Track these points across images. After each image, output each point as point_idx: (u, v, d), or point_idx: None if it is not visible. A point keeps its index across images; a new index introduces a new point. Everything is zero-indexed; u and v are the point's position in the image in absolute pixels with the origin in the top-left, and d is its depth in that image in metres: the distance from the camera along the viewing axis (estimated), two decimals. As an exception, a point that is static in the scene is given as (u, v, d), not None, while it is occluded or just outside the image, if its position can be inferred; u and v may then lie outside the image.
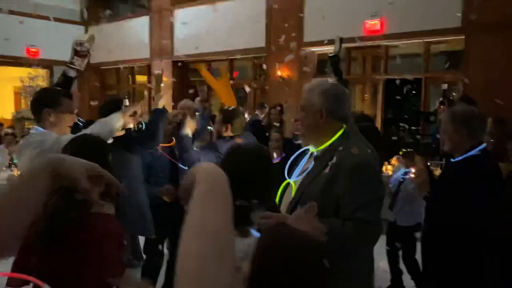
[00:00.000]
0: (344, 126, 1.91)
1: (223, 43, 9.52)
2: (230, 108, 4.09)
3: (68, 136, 2.17)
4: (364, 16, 7.79)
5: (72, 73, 2.75)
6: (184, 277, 0.64)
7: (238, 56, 9.49)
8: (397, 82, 7.48)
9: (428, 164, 2.76)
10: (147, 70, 11.87)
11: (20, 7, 10.76)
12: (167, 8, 10.90)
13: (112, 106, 3.46)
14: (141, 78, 12.74)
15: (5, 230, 0.86)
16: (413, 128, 7.61)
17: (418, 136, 6.82)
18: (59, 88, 2.66)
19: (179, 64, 10.89)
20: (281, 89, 8.65)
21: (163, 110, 3.28)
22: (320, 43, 8.38)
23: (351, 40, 7.39)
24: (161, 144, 3.69)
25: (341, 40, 3.50)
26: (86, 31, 12.57)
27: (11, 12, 10.42)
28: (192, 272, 0.63)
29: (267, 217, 1.56)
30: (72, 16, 12.48)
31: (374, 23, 7.85)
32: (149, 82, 11.21)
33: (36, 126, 2.49)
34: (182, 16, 10.63)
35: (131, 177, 3.14)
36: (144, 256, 3.86)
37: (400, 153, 4.30)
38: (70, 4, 12.55)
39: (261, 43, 9.23)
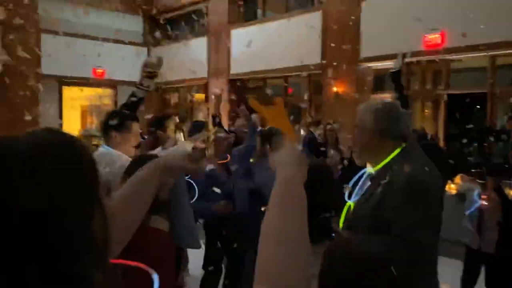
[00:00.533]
0: (403, 144, 1.88)
1: (278, 60, 9.61)
2: (265, 128, 4.09)
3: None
4: (423, 29, 7.58)
5: (141, 94, 2.90)
6: (262, 281, 0.69)
7: (293, 73, 9.52)
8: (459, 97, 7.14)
9: (500, 185, 2.59)
10: (205, 88, 12.21)
11: (87, 30, 11.51)
12: (223, 29, 11.20)
13: (157, 124, 3.62)
14: (199, 97, 13.12)
15: (127, 225, 1.03)
16: (478, 144, 7.21)
17: (486, 155, 6.44)
18: (126, 109, 2.81)
19: (238, 83, 11.10)
20: (337, 106, 8.56)
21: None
22: (378, 58, 8.24)
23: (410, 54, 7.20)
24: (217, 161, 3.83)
25: (404, 56, 3.38)
26: (148, 52, 13.19)
27: (80, 36, 11.19)
28: (271, 276, 0.69)
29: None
30: (136, 38, 13.15)
31: (434, 37, 7.61)
32: (207, 100, 11.52)
33: (104, 145, 2.64)
34: (238, 35, 10.89)
35: (177, 189, 3.23)
36: (203, 271, 3.91)
37: (477, 178, 4.04)
38: (134, 27, 13.25)
39: (317, 59, 9.22)
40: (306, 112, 9.76)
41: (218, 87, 11.48)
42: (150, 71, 2.74)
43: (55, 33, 11.46)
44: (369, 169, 2.00)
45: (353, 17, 8.57)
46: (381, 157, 1.88)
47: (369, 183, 1.94)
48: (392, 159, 1.86)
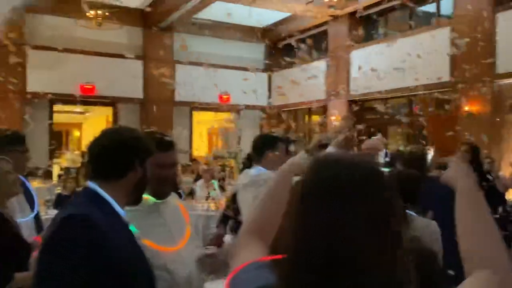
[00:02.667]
0: None
1: (401, 79, 9.25)
2: None
3: None
4: None
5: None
6: (477, 266, 0.92)
7: (419, 92, 9.05)
8: None
9: None
10: (323, 110, 12.25)
11: (215, 60, 12.45)
12: (343, 50, 11.19)
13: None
14: (317, 118, 13.19)
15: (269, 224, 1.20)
16: None
17: None
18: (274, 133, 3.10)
19: (357, 102, 10.93)
20: (470, 126, 7.89)
21: None
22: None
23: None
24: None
25: None
26: (269, 77, 13.75)
27: (209, 65, 12.14)
28: (478, 252, 0.95)
29: None
30: (257, 65, 13.80)
31: None
32: (325, 122, 11.55)
33: (258, 166, 2.85)
34: (358, 56, 10.77)
35: None
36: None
37: None
38: (255, 54, 13.95)
39: (445, 77, 8.66)
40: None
41: (337, 108, 11.43)
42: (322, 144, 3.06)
43: (187, 63, 12.61)
44: None
45: (487, 30, 7.91)
46: None
47: None
48: None
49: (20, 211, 2.55)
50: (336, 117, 11.24)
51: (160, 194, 1.86)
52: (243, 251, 1.09)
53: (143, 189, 1.60)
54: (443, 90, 8.89)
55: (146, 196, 1.73)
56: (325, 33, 12.18)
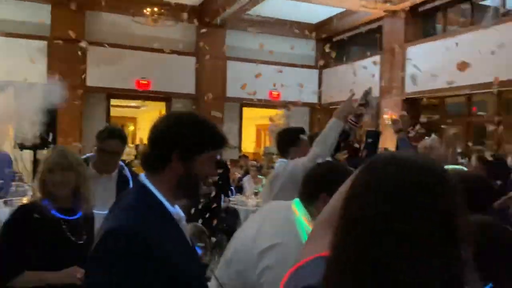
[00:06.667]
0: None
1: (461, 77, 8.79)
2: None
3: None
4: None
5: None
6: None
7: (480, 91, 8.58)
8: None
9: None
10: (377, 108, 11.92)
11: (264, 57, 12.43)
12: (399, 46, 10.83)
13: None
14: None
15: None
16: None
17: None
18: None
19: (412, 101, 10.56)
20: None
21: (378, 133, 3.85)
22: None
23: None
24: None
25: None
26: (320, 74, 13.56)
27: (259, 62, 12.13)
28: None
29: None
30: (308, 61, 13.67)
31: None
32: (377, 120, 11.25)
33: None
34: (414, 53, 10.38)
35: None
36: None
37: None
38: (306, 51, 13.79)
39: (509, 74, 8.15)
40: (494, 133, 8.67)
41: (390, 107, 11.07)
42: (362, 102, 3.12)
43: (238, 59, 12.69)
44: None
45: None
46: None
47: None
48: None
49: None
50: (389, 116, 10.90)
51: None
52: (312, 243, 1.03)
53: (189, 188, 1.37)
54: (507, 89, 8.39)
55: None
56: (379, 29, 11.85)
